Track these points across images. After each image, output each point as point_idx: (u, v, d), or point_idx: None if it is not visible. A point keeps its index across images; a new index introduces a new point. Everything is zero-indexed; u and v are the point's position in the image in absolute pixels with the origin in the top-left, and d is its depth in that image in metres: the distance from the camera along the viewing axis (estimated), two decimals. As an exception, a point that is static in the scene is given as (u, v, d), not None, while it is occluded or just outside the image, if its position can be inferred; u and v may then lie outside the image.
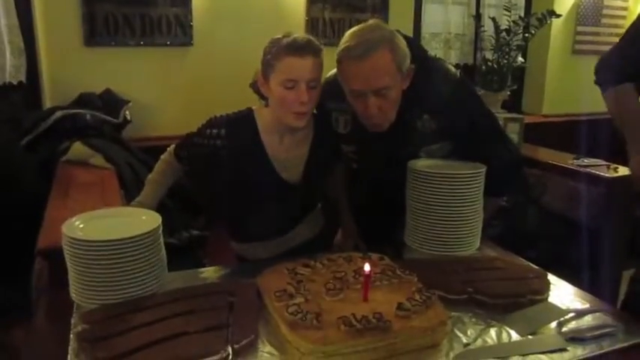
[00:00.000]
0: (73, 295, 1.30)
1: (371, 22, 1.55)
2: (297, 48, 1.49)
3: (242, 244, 1.85)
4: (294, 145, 1.66)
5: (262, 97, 1.66)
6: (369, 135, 1.63)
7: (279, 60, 1.50)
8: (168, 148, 1.73)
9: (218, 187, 1.80)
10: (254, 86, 1.66)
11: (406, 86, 1.55)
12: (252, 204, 1.72)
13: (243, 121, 1.64)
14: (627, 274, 2.09)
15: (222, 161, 1.63)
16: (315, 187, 1.80)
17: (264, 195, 1.68)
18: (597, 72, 2.06)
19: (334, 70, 1.64)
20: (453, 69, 1.68)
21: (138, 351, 1.06)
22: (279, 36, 1.53)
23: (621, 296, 2.09)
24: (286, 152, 1.66)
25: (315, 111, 1.64)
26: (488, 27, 3.72)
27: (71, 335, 1.18)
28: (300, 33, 1.55)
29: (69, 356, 1.11)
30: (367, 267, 1.24)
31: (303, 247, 1.76)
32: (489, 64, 3.53)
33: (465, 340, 1.19)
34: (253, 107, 1.68)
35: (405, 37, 1.57)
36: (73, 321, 1.24)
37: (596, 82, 2.05)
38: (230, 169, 1.65)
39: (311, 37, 1.54)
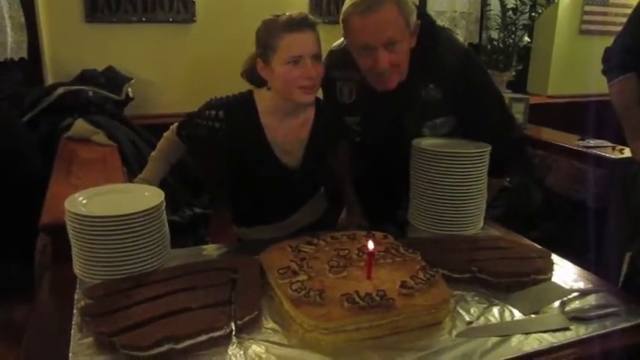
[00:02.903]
0: (76, 271, 1.30)
1: None
2: (296, 24, 1.49)
3: (243, 229, 1.84)
4: (294, 128, 1.65)
5: (257, 85, 1.64)
6: (373, 104, 1.62)
7: (279, 39, 1.48)
8: (171, 126, 1.72)
9: (218, 169, 1.79)
10: (247, 75, 1.64)
11: (413, 44, 1.54)
12: (252, 188, 1.72)
13: (243, 103, 1.63)
14: (629, 256, 2.10)
15: (221, 143, 1.62)
16: (316, 172, 1.79)
17: (263, 179, 1.67)
18: (603, 62, 2.11)
19: (339, 41, 1.65)
20: (460, 39, 1.67)
21: (140, 326, 1.06)
22: (271, 17, 1.52)
23: (622, 277, 2.11)
24: (286, 136, 1.64)
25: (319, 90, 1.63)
26: (494, 5, 3.68)
27: (74, 310, 1.19)
28: (292, 11, 1.54)
29: (72, 331, 1.11)
30: (371, 245, 1.24)
31: (304, 231, 1.75)
32: (495, 43, 3.50)
33: (467, 319, 1.19)
34: (254, 89, 1.66)
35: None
36: (76, 296, 1.25)
37: (603, 72, 2.10)
38: (229, 151, 1.64)
39: (306, 12, 1.53)
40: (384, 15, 1.45)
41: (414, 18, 1.51)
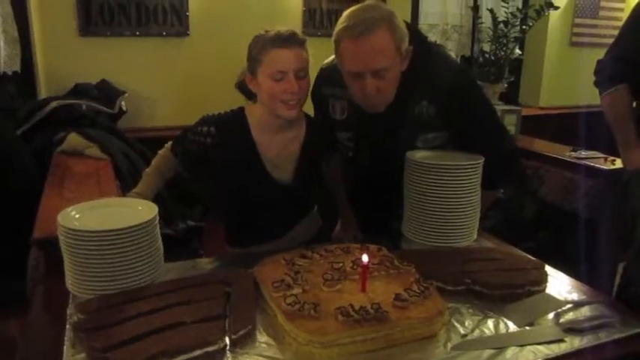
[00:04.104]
0: (69, 286, 1.29)
1: (369, 1, 1.53)
2: (282, 40, 1.51)
3: (237, 249, 1.82)
4: (285, 143, 1.66)
5: (248, 96, 1.67)
6: (366, 121, 1.62)
7: (265, 54, 1.51)
8: (166, 144, 1.72)
9: (210, 185, 1.78)
10: (239, 86, 1.67)
11: (404, 68, 1.54)
12: (245, 204, 1.71)
13: (235, 119, 1.64)
14: (622, 266, 2.11)
15: (213, 159, 1.63)
16: (308, 188, 1.78)
17: (255, 195, 1.67)
18: (595, 74, 2.12)
19: (330, 58, 1.64)
20: (452, 55, 1.68)
21: (134, 341, 1.05)
22: (263, 31, 1.54)
23: (616, 288, 2.11)
24: (277, 151, 1.65)
25: (309, 104, 1.63)
26: (485, 18, 3.71)
27: (67, 325, 1.18)
28: (288, 25, 1.56)
29: (65, 346, 1.11)
30: (365, 257, 1.24)
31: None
32: (487, 55, 3.52)
33: (462, 331, 1.19)
34: (245, 105, 1.67)
35: (404, 22, 1.56)
36: (69, 311, 1.24)
37: (595, 84, 2.12)
38: (221, 167, 1.64)
39: (294, 30, 1.55)
40: (376, 41, 1.43)
41: (405, 44, 1.50)
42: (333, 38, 1.52)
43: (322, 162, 1.80)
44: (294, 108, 1.56)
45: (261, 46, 1.52)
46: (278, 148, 1.65)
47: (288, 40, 1.51)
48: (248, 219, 1.74)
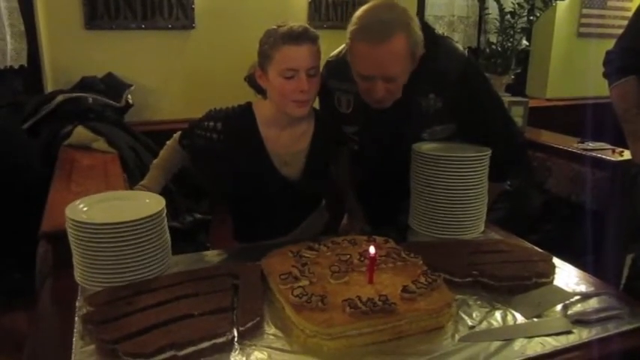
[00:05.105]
0: (77, 278, 1.30)
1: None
2: (294, 37, 1.47)
3: (245, 245, 1.81)
4: (294, 139, 1.64)
5: (258, 91, 1.64)
6: (372, 114, 1.61)
7: (276, 50, 1.48)
8: (174, 135, 1.71)
9: (217, 180, 1.78)
10: (249, 80, 1.65)
11: (414, 68, 1.52)
12: (252, 201, 1.70)
13: (242, 115, 1.62)
14: (631, 258, 2.11)
15: (220, 155, 1.61)
16: (317, 184, 1.77)
17: (263, 191, 1.66)
18: (604, 65, 2.12)
19: (337, 50, 1.63)
20: (460, 48, 1.66)
21: (143, 333, 1.06)
22: (275, 26, 1.51)
23: (624, 280, 2.11)
24: (286, 147, 1.64)
25: (317, 103, 1.62)
26: (492, 9, 3.69)
27: (76, 318, 1.18)
28: (296, 21, 1.53)
29: (74, 339, 1.11)
30: (372, 249, 1.24)
31: None
32: (493, 47, 3.50)
33: (470, 323, 1.19)
34: (253, 101, 1.66)
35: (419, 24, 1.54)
36: (77, 304, 1.24)
37: (604, 75, 2.11)
38: (227, 163, 1.63)
39: (307, 25, 1.52)
40: (392, 48, 1.41)
41: (420, 49, 1.48)
42: (348, 35, 1.49)
43: (331, 158, 1.79)
44: (305, 106, 1.54)
45: (273, 41, 1.48)
46: (286, 144, 1.63)
47: (300, 36, 1.47)
48: (256, 215, 1.73)
